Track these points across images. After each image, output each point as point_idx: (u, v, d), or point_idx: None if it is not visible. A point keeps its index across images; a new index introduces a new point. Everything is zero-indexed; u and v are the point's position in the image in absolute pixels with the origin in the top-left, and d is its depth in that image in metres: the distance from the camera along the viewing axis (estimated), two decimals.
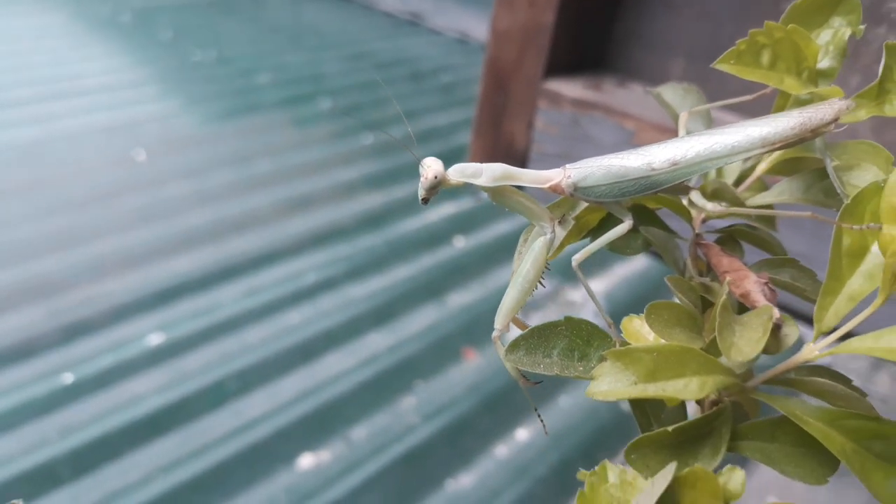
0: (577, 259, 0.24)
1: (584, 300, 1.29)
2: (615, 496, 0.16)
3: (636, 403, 0.20)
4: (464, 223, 1.46)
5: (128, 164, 1.49)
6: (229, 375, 1.02)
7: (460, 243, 1.40)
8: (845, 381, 0.18)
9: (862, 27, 0.22)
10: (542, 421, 0.30)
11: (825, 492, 0.99)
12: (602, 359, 0.18)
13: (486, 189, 0.25)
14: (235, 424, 0.94)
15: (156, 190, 1.42)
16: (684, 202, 0.22)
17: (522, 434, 1.00)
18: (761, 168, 0.24)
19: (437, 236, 1.40)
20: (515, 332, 0.27)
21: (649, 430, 0.18)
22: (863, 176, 0.20)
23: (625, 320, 0.21)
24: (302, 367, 1.05)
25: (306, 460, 0.91)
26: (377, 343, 1.11)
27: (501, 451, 0.97)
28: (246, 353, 1.06)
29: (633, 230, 0.23)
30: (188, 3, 2.42)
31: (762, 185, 0.24)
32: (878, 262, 0.17)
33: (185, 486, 0.86)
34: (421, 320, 1.18)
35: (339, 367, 1.06)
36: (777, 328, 0.20)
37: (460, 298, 1.25)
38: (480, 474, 0.93)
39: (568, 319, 0.21)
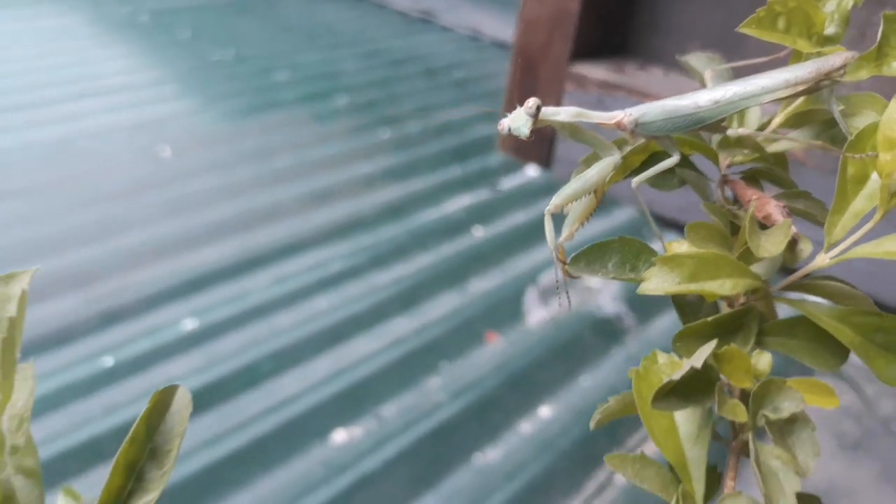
0: (636, 182, 0.28)
1: (602, 285, 1.32)
2: (665, 372, 0.20)
3: (679, 302, 0.24)
4: (482, 214, 1.50)
5: (154, 160, 1.54)
6: (262, 358, 1.06)
7: (479, 233, 1.44)
8: (851, 285, 0.22)
9: None
10: (568, 296, 0.34)
11: (839, 465, 1.03)
12: (651, 264, 0.22)
13: (563, 125, 0.28)
14: (270, 403, 0.99)
15: (182, 184, 1.46)
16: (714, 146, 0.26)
17: (546, 411, 1.04)
18: (776, 121, 0.28)
19: (456, 226, 1.44)
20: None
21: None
22: (864, 119, 0.24)
23: (669, 242, 0.25)
24: (331, 350, 1.09)
25: (339, 436, 0.95)
26: (403, 327, 1.15)
27: (526, 427, 1.01)
28: (277, 336, 1.10)
29: (671, 171, 0.27)
30: (204, 3, 2.47)
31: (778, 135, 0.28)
32: (877, 185, 0.21)
33: (226, 460, 0.90)
34: (444, 305, 1.22)
35: (367, 349, 1.10)
36: (794, 243, 0.24)
37: (481, 285, 1.29)
38: (506, 449, 0.97)
39: (621, 239, 0.25)
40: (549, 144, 0.66)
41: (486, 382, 1.06)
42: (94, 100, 1.73)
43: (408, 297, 1.22)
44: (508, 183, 1.65)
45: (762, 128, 0.27)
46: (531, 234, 1.46)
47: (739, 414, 0.20)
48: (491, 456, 0.97)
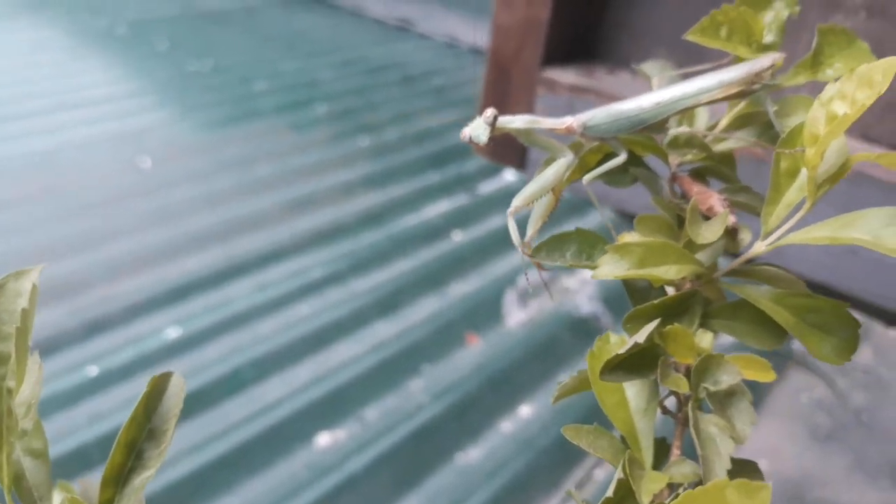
0: (587, 179, 0.30)
1: (579, 286, 1.35)
2: (615, 350, 0.22)
3: (630, 287, 0.26)
4: (460, 219, 1.52)
5: (135, 171, 1.55)
6: (245, 364, 1.07)
7: (458, 237, 1.46)
8: (786, 270, 0.24)
9: (798, 9, 0.28)
10: (548, 290, 0.36)
11: (812, 456, 1.06)
12: (604, 251, 0.24)
13: (519, 132, 0.30)
14: (254, 408, 1.00)
15: (164, 194, 1.47)
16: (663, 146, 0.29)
17: (526, 410, 1.06)
18: (723, 123, 0.31)
19: (435, 231, 1.46)
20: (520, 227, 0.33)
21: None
22: (796, 119, 0.27)
23: (621, 234, 0.27)
24: (313, 355, 1.11)
25: (323, 439, 0.97)
26: (384, 331, 1.17)
27: (507, 426, 1.03)
28: (259, 343, 1.11)
29: (624, 169, 0.29)
30: (181, 14, 2.48)
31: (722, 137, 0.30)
32: (806, 177, 0.23)
33: (211, 466, 0.91)
34: (424, 309, 1.24)
35: (349, 353, 1.12)
36: (735, 232, 0.26)
37: (461, 288, 1.32)
38: (488, 447, 0.99)
39: (578, 230, 0.27)
40: (523, 148, 0.68)
41: (467, 383, 1.08)
42: (74, 112, 1.74)
43: (388, 302, 1.24)
44: (486, 188, 1.68)
45: (710, 129, 0.30)
46: (509, 238, 1.47)
47: (681, 385, 0.22)
48: (473, 455, 0.99)
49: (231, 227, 1.40)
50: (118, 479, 0.20)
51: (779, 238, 0.23)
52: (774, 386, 1.17)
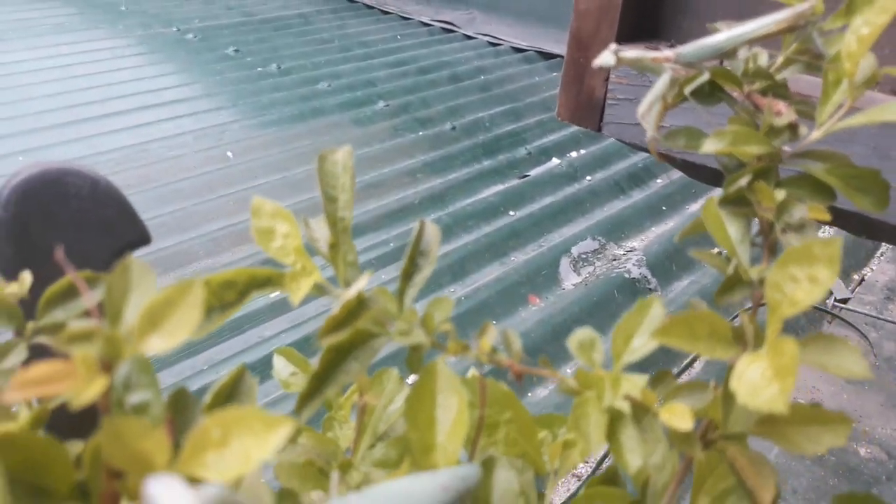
0: (687, 90, 0.44)
1: (626, 254, 1.48)
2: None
3: (723, 164, 0.40)
4: (514, 199, 1.66)
5: (220, 162, 1.71)
6: None
7: (514, 214, 1.60)
8: (834, 151, 0.38)
9: None
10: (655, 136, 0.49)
11: (849, 395, 1.18)
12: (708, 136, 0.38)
13: (633, 61, 0.44)
14: None
15: (248, 182, 1.63)
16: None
17: None
18: (781, 59, 0.44)
19: (493, 209, 1.60)
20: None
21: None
22: (836, 46, 0.40)
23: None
24: None
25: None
26: (454, 293, 1.31)
27: (567, 371, 1.17)
28: None
29: (711, 92, 0.43)
30: (243, 21, 2.65)
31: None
32: (847, 85, 0.37)
33: None
34: (489, 274, 1.38)
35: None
36: (795, 127, 0.40)
37: (520, 257, 1.46)
38: (551, 388, 1.13)
39: (687, 127, 0.41)
40: (601, 111, 0.83)
41: (531, 335, 1.21)
42: (156, 110, 1.91)
43: (457, 269, 1.38)
44: (535, 172, 1.82)
45: (771, 64, 0.43)
46: (560, 214, 1.62)
47: (768, 198, 0.36)
48: (539, 394, 1.12)
49: (309, 209, 1.55)
50: (408, 275, 0.34)
51: (828, 128, 0.37)
52: None
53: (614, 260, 1.49)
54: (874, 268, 1.54)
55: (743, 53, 0.44)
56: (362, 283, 0.30)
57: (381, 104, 2.07)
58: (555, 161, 1.88)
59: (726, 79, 0.45)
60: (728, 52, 0.42)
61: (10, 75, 2.06)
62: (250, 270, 0.32)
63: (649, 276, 1.39)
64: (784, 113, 0.41)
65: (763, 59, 0.45)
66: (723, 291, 0.33)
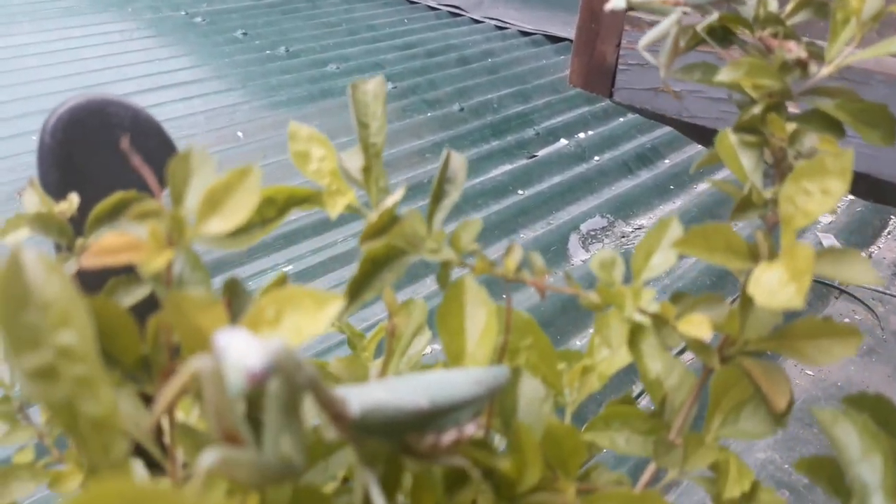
0: (700, 27, 0.45)
1: (634, 231, 1.50)
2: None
3: (736, 101, 0.41)
4: (523, 179, 1.68)
5: (231, 141, 1.72)
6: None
7: (523, 192, 1.61)
8: (843, 87, 0.39)
9: None
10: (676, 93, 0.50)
11: (856, 367, 1.19)
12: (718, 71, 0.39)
13: (641, 4, 0.45)
14: (362, 326, 1.16)
15: (259, 160, 1.64)
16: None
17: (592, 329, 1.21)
18: (790, 6, 0.46)
19: (502, 188, 1.62)
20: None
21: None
22: None
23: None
24: (408, 287, 1.27)
25: None
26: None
27: (577, 343, 1.18)
28: None
29: (724, 36, 0.44)
30: (251, 5, 2.66)
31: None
32: (856, 23, 0.38)
33: None
34: (499, 250, 1.39)
35: (434, 288, 1.28)
36: (805, 64, 0.41)
37: (530, 234, 1.47)
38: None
39: (704, 62, 0.42)
40: (612, 77, 0.84)
41: (541, 308, 1.23)
42: (168, 91, 1.92)
43: None
44: (543, 152, 1.83)
45: (781, 10, 0.45)
46: (569, 193, 1.63)
47: (781, 129, 0.37)
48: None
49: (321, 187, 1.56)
50: (437, 198, 0.36)
51: (838, 63, 0.38)
52: (820, 312, 1.31)
53: (623, 237, 1.50)
54: (881, 245, 1.55)
55: (752, 10, 0.45)
56: (398, 196, 0.32)
57: (389, 86, 2.08)
58: (563, 142, 1.89)
59: (738, 23, 0.46)
60: None
61: (21, 57, 2.07)
62: (290, 188, 0.33)
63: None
64: (794, 50, 0.42)
65: (773, 4, 0.47)
66: (737, 211, 0.35)
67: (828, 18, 0.42)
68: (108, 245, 0.21)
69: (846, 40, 0.41)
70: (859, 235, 1.60)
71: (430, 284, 1.30)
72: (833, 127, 0.40)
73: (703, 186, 1.79)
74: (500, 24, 2.70)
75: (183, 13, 2.51)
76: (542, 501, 0.29)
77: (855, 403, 0.29)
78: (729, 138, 0.39)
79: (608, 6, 0.48)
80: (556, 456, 0.30)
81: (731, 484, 0.32)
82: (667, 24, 0.45)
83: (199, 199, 0.23)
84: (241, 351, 0.19)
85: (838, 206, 1.72)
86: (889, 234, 1.62)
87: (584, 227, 1.49)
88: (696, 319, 0.32)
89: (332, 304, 0.23)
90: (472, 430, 0.27)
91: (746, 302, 0.32)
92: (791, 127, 0.40)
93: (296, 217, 1.43)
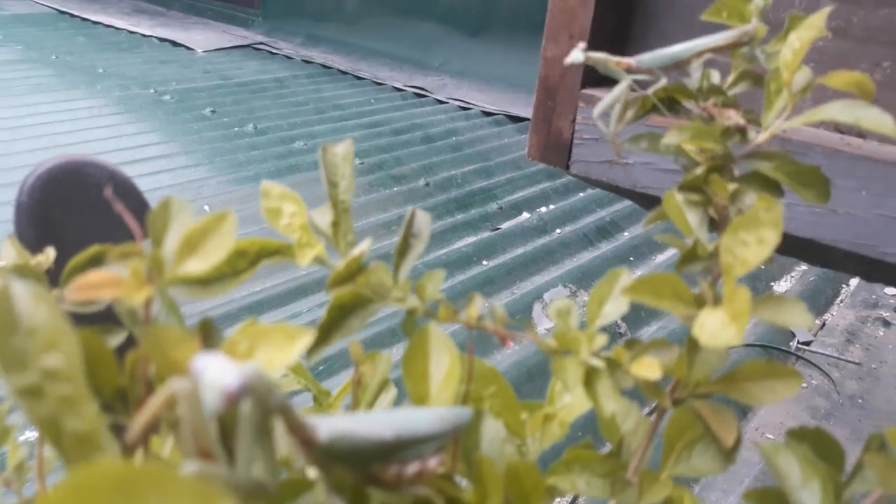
0: (651, 91, 0.48)
1: None
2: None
3: (682, 162, 0.44)
4: (487, 250, 1.70)
5: (197, 214, 1.73)
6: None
7: (486, 264, 1.64)
8: (779, 151, 0.42)
9: (770, 1, 0.48)
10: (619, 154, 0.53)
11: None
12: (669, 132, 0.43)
13: (597, 61, 0.48)
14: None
15: None
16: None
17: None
18: (731, 77, 0.49)
19: (467, 259, 1.64)
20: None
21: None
22: (776, 63, 0.45)
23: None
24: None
25: None
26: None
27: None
28: None
29: (671, 106, 0.48)
30: (219, 84, 2.71)
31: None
32: (787, 93, 0.42)
33: None
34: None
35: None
36: (745, 131, 0.44)
37: (495, 303, 1.48)
38: None
39: (651, 132, 0.45)
40: (569, 151, 0.88)
41: (507, 375, 1.24)
42: (134, 166, 1.94)
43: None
44: (507, 225, 1.87)
45: (723, 83, 0.48)
46: (532, 264, 1.66)
47: (723, 190, 0.40)
48: None
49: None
50: (402, 252, 0.38)
51: (773, 130, 0.42)
52: None
53: (585, 306, 1.53)
54: (834, 313, 1.60)
55: (697, 70, 0.49)
56: (364, 246, 0.33)
57: (356, 162, 2.13)
58: (525, 215, 1.94)
59: (684, 94, 0.50)
60: (682, 62, 0.47)
61: None
62: (261, 241, 0.35)
63: (619, 321, 1.43)
64: (734, 117, 0.46)
65: (716, 77, 0.51)
66: (683, 262, 0.37)
67: (763, 90, 0.46)
68: (91, 281, 0.22)
69: (779, 109, 0.44)
70: (813, 303, 1.65)
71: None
72: (771, 187, 0.43)
73: (661, 258, 1.84)
74: (463, 104, 2.78)
75: (152, 91, 2.55)
76: None
77: (796, 436, 0.31)
78: (675, 198, 0.42)
79: (567, 59, 0.51)
80: (518, 494, 0.31)
81: None
82: (617, 91, 0.49)
83: (178, 241, 0.25)
84: (217, 372, 0.20)
85: (792, 276, 1.78)
86: (842, 301, 1.67)
87: (547, 297, 1.51)
88: (646, 362, 0.34)
89: (301, 337, 0.24)
90: (434, 463, 0.28)
91: (693, 345, 0.34)
92: (733, 187, 0.43)
93: (260, 288, 1.44)
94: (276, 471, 0.21)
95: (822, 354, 1.37)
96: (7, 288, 0.20)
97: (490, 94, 2.90)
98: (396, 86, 2.94)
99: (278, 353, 0.24)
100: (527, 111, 2.76)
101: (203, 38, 3.49)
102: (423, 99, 2.87)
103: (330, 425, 0.25)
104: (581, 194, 2.05)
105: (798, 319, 0.33)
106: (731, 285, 0.33)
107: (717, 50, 0.48)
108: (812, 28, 0.42)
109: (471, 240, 1.76)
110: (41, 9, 3.94)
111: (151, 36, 3.45)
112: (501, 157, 2.30)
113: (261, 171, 2.00)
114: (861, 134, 0.83)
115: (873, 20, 0.75)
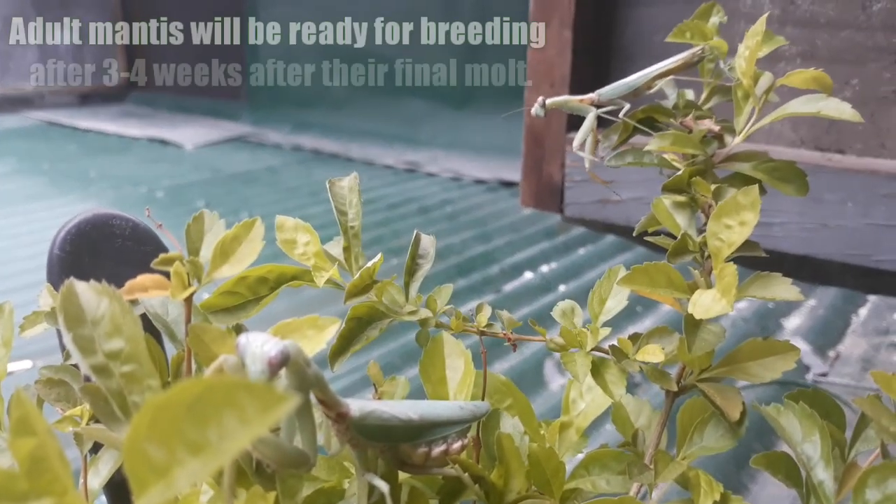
0: (625, 117, 0.51)
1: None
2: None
3: (663, 165, 0.47)
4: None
5: (196, 299, 1.76)
6: None
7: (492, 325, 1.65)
8: (755, 151, 0.45)
9: (726, 18, 0.52)
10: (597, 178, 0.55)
11: None
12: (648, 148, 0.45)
13: (561, 104, 0.52)
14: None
15: None
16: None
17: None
18: (705, 94, 0.53)
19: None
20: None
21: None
22: (738, 74, 0.49)
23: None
24: None
25: None
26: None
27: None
28: None
29: (650, 125, 0.51)
30: (212, 178, 2.78)
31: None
32: (753, 99, 0.45)
33: None
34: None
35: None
36: (721, 136, 0.47)
37: (504, 364, 1.50)
38: None
39: (633, 147, 0.48)
40: (561, 195, 0.91)
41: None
42: None
43: None
44: (509, 287, 1.89)
45: (697, 98, 0.52)
46: (539, 322, 1.67)
47: (706, 191, 0.42)
48: None
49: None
50: (411, 271, 0.40)
51: (746, 132, 0.45)
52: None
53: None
54: (847, 343, 1.61)
55: (672, 91, 0.53)
56: (378, 259, 0.36)
57: None
58: (528, 275, 1.96)
59: (662, 113, 0.53)
60: (640, 89, 0.51)
61: None
62: (281, 267, 0.37)
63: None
64: (708, 125, 0.49)
65: (691, 94, 0.54)
66: (672, 255, 0.40)
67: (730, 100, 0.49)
68: (140, 283, 0.25)
69: (748, 112, 0.47)
70: (825, 336, 1.66)
71: None
72: (751, 185, 0.45)
73: (669, 308, 1.85)
74: (455, 175, 2.85)
75: (144, 189, 2.60)
76: None
77: (794, 398, 0.33)
78: (663, 202, 0.44)
79: (532, 111, 0.55)
80: (539, 477, 0.33)
81: (704, 497, 0.35)
82: (588, 123, 0.52)
83: (212, 250, 0.27)
84: (259, 343, 0.22)
85: (801, 311, 1.79)
86: (853, 331, 1.68)
87: (557, 354, 1.52)
88: (650, 348, 0.36)
89: (329, 327, 0.26)
90: (458, 446, 0.30)
91: (690, 325, 0.36)
92: (713, 187, 0.46)
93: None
94: (315, 444, 0.23)
95: (840, 385, 1.37)
96: (71, 286, 0.22)
97: (480, 163, 2.97)
98: (388, 163, 3.01)
99: (310, 341, 0.26)
100: (518, 175, 2.82)
101: (192, 134, 3.58)
102: (415, 174, 2.94)
103: (360, 404, 0.27)
104: (581, 251, 2.08)
105: (785, 293, 0.35)
106: (719, 265, 0.35)
107: (670, 73, 0.51)
108: (755, 34, 0.45)
109: (475, 303, 1.77)
110: (32, 122, 4.05)
111: (141, 137, 3.54)
112: (498, 221, 2.34)
113: (259, 258, 2.03)
114: (840, 149, 0.87)
115: (836, 42, 0.79)
